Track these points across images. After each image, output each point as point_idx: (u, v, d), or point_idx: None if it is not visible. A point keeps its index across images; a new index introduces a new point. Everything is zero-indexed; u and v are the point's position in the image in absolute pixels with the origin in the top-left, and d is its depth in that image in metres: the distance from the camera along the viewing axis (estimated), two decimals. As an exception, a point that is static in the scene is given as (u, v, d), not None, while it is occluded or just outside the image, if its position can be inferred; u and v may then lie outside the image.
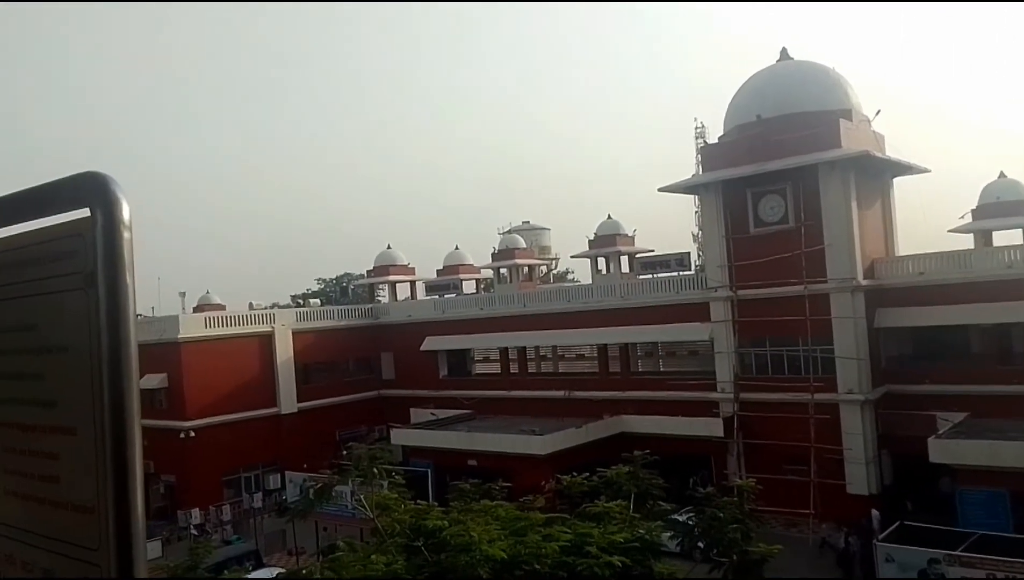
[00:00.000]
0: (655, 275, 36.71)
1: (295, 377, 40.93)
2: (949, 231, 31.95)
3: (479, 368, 44.89)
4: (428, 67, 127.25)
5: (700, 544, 16.78)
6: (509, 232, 53.06)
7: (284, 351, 40.64)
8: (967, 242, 31.09)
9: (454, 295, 45.89)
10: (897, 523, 24.17)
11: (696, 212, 48.07)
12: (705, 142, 44.16)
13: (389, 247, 49.86)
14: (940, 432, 26.20)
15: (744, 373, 31.77)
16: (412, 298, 49.28)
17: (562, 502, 19.33)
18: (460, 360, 44.18)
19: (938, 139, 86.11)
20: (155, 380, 36.32)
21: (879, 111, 32.54)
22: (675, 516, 17.67)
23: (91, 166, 0.95)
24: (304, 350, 41.54)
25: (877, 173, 32.22)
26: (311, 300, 66.67)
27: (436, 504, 17.64)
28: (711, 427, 31.75)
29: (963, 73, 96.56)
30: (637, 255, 39.29)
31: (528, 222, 61.24)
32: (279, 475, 36.83)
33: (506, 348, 40.73)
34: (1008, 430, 25.16)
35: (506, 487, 19.37)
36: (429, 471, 31.44)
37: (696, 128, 50.71)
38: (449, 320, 42.73)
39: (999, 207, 30.40)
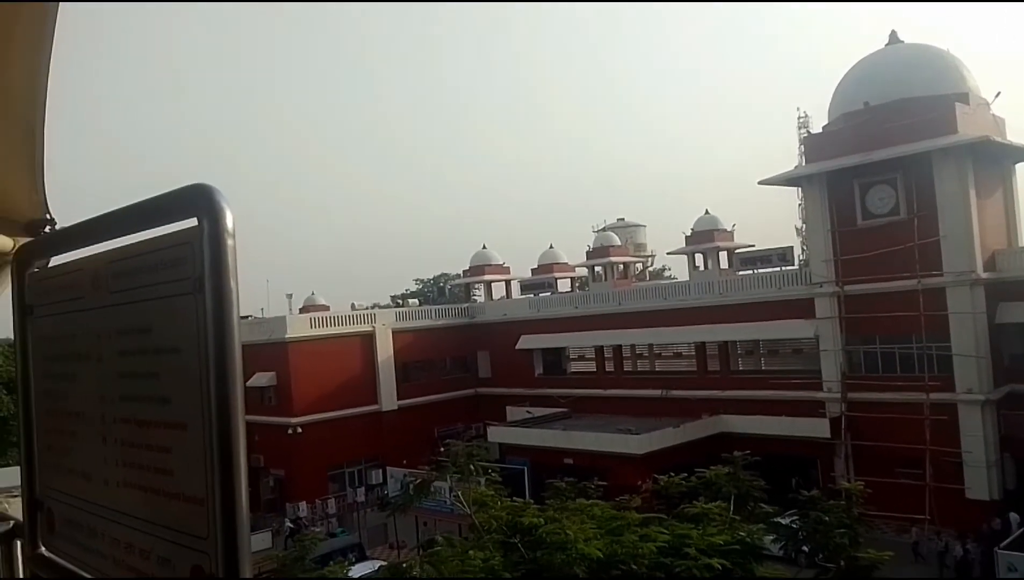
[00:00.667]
0: (756, 271, 35.66)
1: (395, 375, 41.92)
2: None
3: (574, 366, 44.76)
4: (519, 67, 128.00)
5: (804, 548, 16.21)
6: (604, 230, 52.61)
7: (384, 350, 41.71)
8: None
9: (549, 294, 45.95)
10: (1020, 530, 22.64)
11: (799, 205, 46.38)
12: (809, 132, 42.56)
13: (484, 247, 50.42)
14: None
15: (852, 372, 30.44)
16: (507, 297, 49.62)
17: (659, 503, 18.99)
18: (555, 358, 44.19)
19: (1067, 121, 80.00)
20: (264, 378, 37.99)
21: (999, 93, 30.62)
22: (778, 519, 17.12)
23: (202, 177, 1.01)
24: (403, 349, 42.50)
25: (997, 159, 30.26)
26: (409, 300, 68.11)
27: (532, 502, 17.71)
28: (816, 428, 30.61)
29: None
30: (736, 251, 38.24)
31: (623, 219, 60.54)
32: (380, 470, 37.85)
33: (601, 346, 40.46)
34: None
35: (601, 486, 19.22)
36: (525, 469, 31.60)
37: (799, 118, 49.12)
38: (544, 319, 42.80)
39: None
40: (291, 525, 33.61)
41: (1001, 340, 28.56)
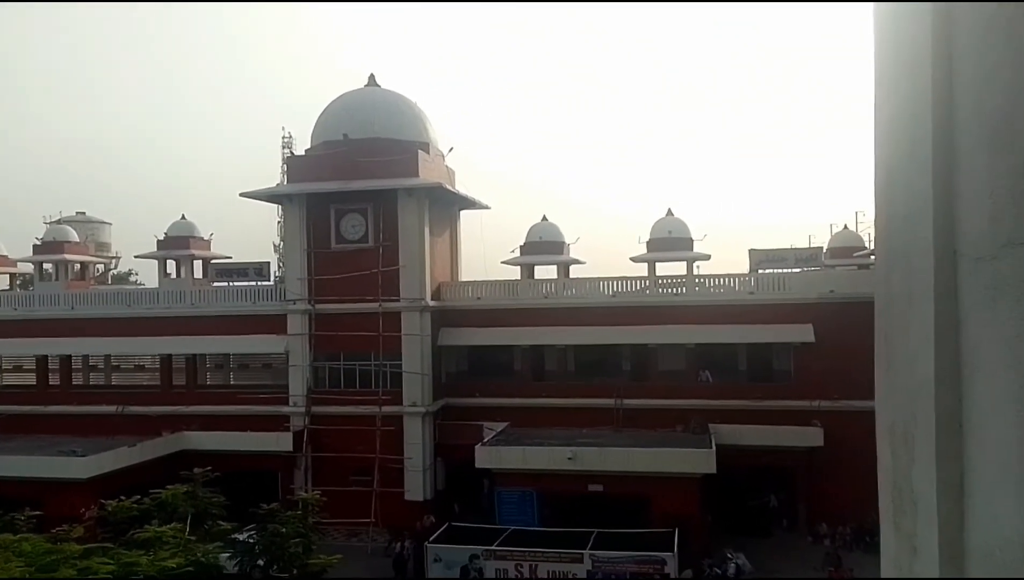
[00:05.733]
0: (231, 283, 35.16)
1: None
2: (502, 262, 36.38)
3: (7, 379, 38.07)
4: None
5: (260, 563, 16.34)
6: (59, 222, 46.10)
7: None
8: (516, 273, 35.70)
9: (-22, 291, 38.24)
10: (445, 524, 26.42)
11: (279, 222, 47.30)
12: (292, 153, 43.78)
13: None
14: (485, 440, 29.45)
15: (318, 386, 32.05)
16: (-85, 291, 39.88)
17: (106, 530, 17.21)
18: (-20, 369, 36.95)
19: (497, 184, 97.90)
20: None
21: (451, 148, 35.81)
22: (236, 535, 16.95)
23: None
24: None
25: (448, 204, 35.34)
26: None
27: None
28: (280, 441, 31.39)
29: (522, 133, 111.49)
30: (213, 261, 37.15)
31: (84, 213, 53.94)
32: None
33: (46, 356, 35.22)
34: (537, 437, 29.36)
35: (35, 517, 16.71)
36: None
37: (284, 137, 49.94)
38: (-33, 321, 35.50)
39: (541, 245, 35.58)
40: None
41: (441, 360, 33.24)
